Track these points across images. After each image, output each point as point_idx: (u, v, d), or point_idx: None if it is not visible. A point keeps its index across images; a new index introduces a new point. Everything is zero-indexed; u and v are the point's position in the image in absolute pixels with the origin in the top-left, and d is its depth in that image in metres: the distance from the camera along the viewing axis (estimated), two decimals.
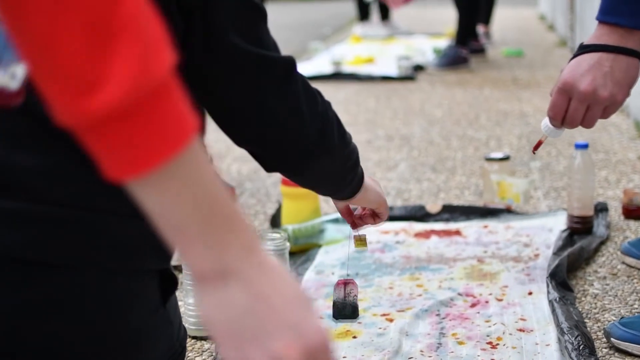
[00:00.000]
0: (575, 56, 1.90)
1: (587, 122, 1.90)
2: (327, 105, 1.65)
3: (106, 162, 0.91)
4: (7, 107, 0.95)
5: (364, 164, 3.70)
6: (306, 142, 1.59)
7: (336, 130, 1.65)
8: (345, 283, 2.07)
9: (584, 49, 1.88)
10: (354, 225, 1.99)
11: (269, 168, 1.67)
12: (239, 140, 1.61)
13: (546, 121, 2.02)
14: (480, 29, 7.44)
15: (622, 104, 1.88)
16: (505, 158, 3.18)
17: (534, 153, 2.21)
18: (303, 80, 1.59)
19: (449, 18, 8.23)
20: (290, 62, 1.56)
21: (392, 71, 6.34)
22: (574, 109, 1.88)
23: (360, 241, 2.02)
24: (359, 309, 2.14)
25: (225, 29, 1.48)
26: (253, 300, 0.98)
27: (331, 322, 2.12)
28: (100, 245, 1.32)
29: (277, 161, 1.65)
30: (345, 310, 2.07)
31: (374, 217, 1.96)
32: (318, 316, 1.02)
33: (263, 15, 1.54)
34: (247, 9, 1.51)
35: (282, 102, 1.55)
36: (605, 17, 1.85)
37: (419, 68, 6.52)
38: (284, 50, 1.57)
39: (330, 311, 2.27)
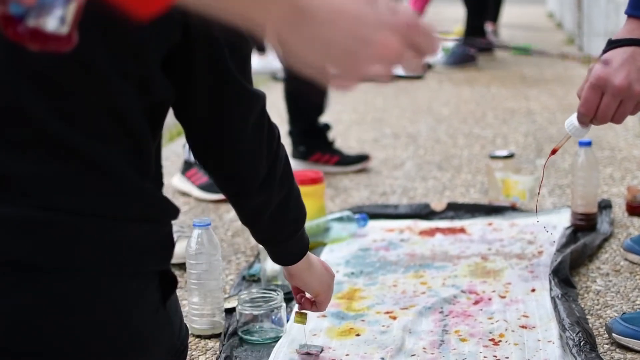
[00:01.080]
0: (605, 51, 1.87)
1: (618, 118, 1.87)
2: (280, 143, 1.70)
3: None
4: (60, 52, 0.97)
5: (371, 162, 3.71)
6: (256, 177, 1.65)
7: (281, 169, 1.69)
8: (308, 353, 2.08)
9: (614, 44, 1.85)
10: (299, 306, 1.99)
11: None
12: (200, 155, 1.65)
13: (572, 120, 1.95)
14: (488, 27, 7.44)
15: None
16: (510, 156, 3.19)
17: (551, 155, 2.13)
18: (268, 116, 1.66)
19: (457, 16, 8.23)
20: (264, 98, 1.63)
21: (400, 70, 6.34)
22: (607, 105, 1.84)
23: (300, 317, 2.02)
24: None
25: (228, 64, 1.52)
26: (331, 20, 0.99)
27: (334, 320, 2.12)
28: (101, 249, 1.35)
29: (226, 184, 1.70)
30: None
31: (313, 304, 1.96)
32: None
33: (251, 47, 1.59)
34: (241, 40, 1.55)
35: (252, 135, 1.62)
36: (636, 11, 1.82)
37: (427, 66, 6.53)
38: None
39: (336, 309, 2.30)
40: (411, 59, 1.04)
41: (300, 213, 1.81)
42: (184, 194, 3.39)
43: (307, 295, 1.95)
